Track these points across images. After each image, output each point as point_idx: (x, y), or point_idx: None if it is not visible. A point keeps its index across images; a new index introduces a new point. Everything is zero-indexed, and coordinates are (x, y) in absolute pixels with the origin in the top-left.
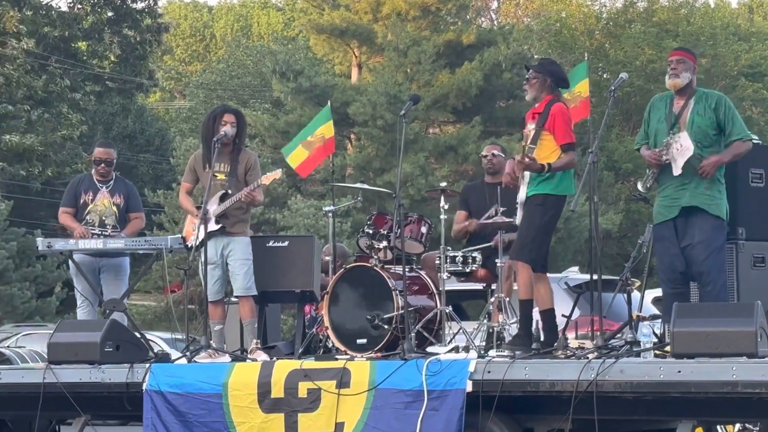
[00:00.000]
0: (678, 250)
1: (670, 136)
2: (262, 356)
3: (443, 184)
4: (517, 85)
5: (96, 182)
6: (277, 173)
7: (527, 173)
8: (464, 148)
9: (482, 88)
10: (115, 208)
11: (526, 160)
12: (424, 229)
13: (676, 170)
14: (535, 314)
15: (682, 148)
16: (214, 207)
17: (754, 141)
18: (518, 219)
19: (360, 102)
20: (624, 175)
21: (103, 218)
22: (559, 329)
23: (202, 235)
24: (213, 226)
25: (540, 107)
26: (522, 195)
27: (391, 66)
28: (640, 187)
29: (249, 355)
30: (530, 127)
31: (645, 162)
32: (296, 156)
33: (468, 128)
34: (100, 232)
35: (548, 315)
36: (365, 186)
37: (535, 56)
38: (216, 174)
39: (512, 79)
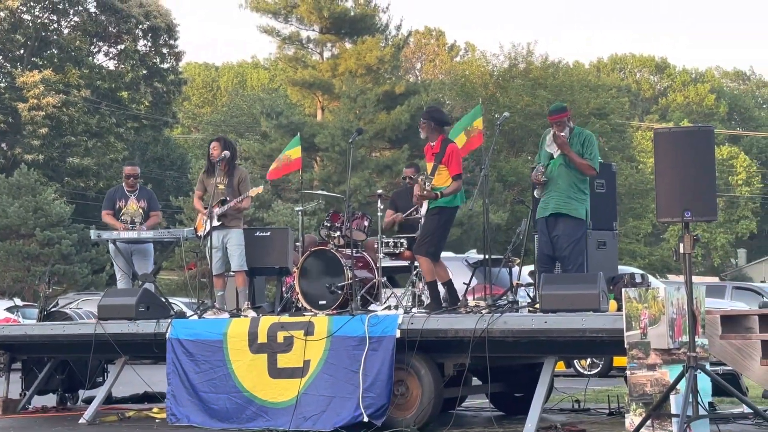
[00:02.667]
0: (548, 239)
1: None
2: (251, 313)
3: (380, 191)
4: None
5: (126, 192)
6: (260, 188)
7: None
8: (396, 167)
9: (409, 124)
10: (141, 210)
11: (425, 192)
12: (366, 223)
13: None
14: (441, 288)
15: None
16: (216, 209)
17: (603, 162)
18: (421, 224)
19: (323, 134)
20: (509, 185)
21: (133, 218)
22: (460, 294)
23: (208, 228)
24: (216, 222)
25: (437, 146)
26: (424, 209)
27: (345, 109)
28: (536, 194)
29: (242, 313)
30: (428, 167)
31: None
32: (273, 169)
33: (399, 153)
34: (131, 227)
35: (448, 285)
36: (326, 193)
37: (445, 101)
38: (218, 185)
39: None
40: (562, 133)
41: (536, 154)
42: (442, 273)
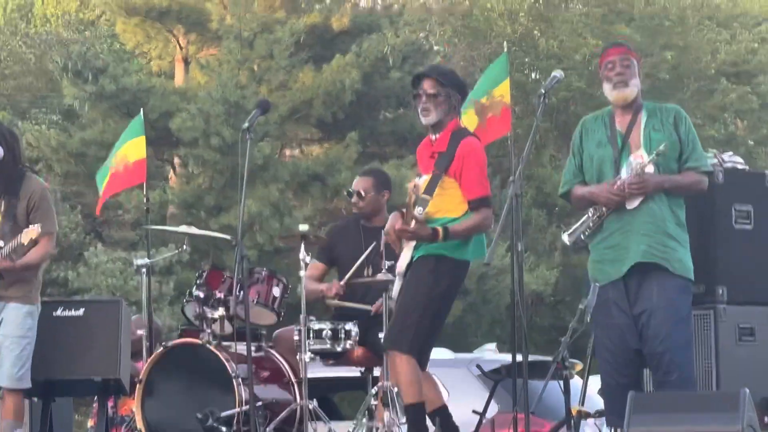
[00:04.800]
0: (629, 320)
1: (633, 158)
2: None
3: (304, 227)
4: (410, 89)
5: None
6: (35, 229)
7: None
8: (335, 176)
9: (360, 93)
10: None
11: (413, 225)
12: (277, 291)
13: (631, 203)
14: (430, 422)
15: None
16: None
17: (739, 167)
18: (395, 291)
19: (187, 112)
20: (560, 213)
21: None
22: None
23: None
24: None
25: (442, 142)
26: (404, 261)
27: (232, 61)
28: (566, 239)
29: None
30: (423, 179)
31: (592, 201)
32: (107, 184)
33: (340, 149)
34: None
35: (442, 414)
36: (194, 231)
37: (430, 47)
38: None
39: (403, 79)
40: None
41: (570, 158)
42: (431, 391)
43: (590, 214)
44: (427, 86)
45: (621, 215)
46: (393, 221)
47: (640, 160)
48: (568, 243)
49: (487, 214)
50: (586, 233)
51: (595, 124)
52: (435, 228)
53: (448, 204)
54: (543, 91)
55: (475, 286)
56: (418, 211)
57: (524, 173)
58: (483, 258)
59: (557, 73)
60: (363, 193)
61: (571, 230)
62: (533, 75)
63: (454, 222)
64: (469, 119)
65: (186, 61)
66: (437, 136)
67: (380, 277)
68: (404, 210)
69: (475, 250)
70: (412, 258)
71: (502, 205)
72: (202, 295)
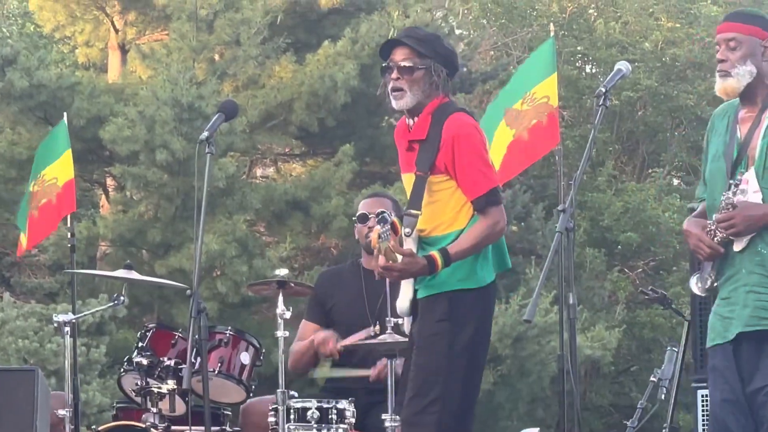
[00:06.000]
0: (739, 395)
1: (733, 185)
2: None
3: (282, 271)
4: None
5: None
6: None
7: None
8: (322, 204)
9: (357, 92)
10: None
11: (400, 261)
12: (246, 358)
13: (738, 245)
14: None
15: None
16: None
17: None
18: (406, 326)
19: (124, 117)
20: (625, 253)
21: None
22: None
23: None
24: None
25: (420, 127)
26: (405, 300)
27: (185, 49)
28: (696, 286)
29: None
30: (406, 183)
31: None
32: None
33: (329, 167)
34: None
35: None
36: (134, 276)
37: (460, 33)
38: None
39: None
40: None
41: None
42: None
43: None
44: (399, 56)
45: (731, 259)
46: (373, 242)
47: (745, 185)
48: (699, 292)
49: (498, 213)
50: (707, 283)
51: (721, 123)
52: (430, 256)
53: (444, 213)
54: (603, 90)
55: (511, 351)
56: (405, 232)
57: (575, 198)
58: (507, 268)
59: (621, 66)
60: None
61: (699, 274)
62: (588, 68)
63: (457, 236)
64: (501, 136)
65: (123, 49)
66: (414, 120)
67: (386, 338)
68: (382, 219)
69: (496, 261)
70: (413, 293)
71: (547, 243)
72: (145, 362)
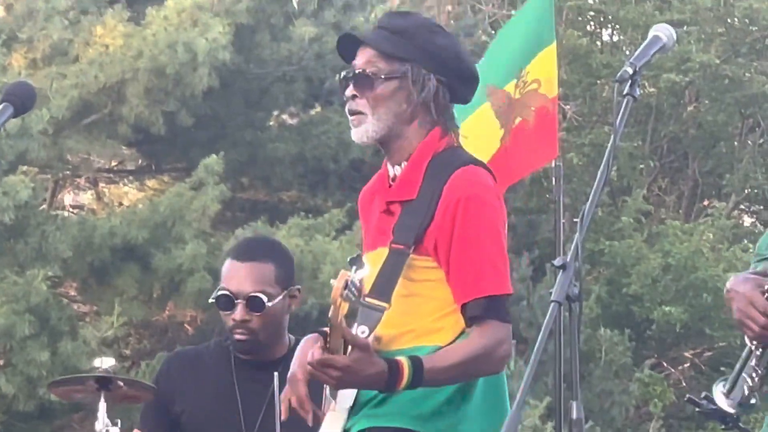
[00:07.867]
0: None
1: None
2: None
3: (106, 361)
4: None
5: None
6: None
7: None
8: (171, 252)
9: (230, 71)
10: None
11: (348, 356)
12: None
13: None
14: None
15: None
16: None
17: None
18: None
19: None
20: (664, 338)
21: None
22: None
23: None
24: None
25: (407, 180)
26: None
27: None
28: (724, 400)
29: None
30: (364, 269)
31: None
32: None
33: (183, 188)
34: None
35: None
36: None
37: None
38: None
39: (321, 38)
40: None
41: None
42: None
43: (752, 348)
44: (361, 60)
45: None
46: (306, 351)
47: None
48: (726, 407)
49: (504, 331)
50: (753, 383)
51: None
52: (395, 361)
53: (421, 316)
54: (629, 72)
55: None
56: (360, 330)
57: (583, 242)
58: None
59: (660, 31)
60: (256, 297)
61: (729, 380)
62: (606, 35)
63: (434, 351)
64: (482, 124)
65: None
66: (399, 168)
67: None
68: (328, 328)
69: (485, 409)
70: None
71: (536, 320)
72: None
